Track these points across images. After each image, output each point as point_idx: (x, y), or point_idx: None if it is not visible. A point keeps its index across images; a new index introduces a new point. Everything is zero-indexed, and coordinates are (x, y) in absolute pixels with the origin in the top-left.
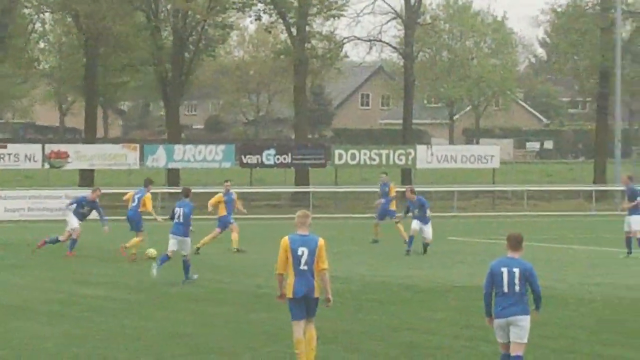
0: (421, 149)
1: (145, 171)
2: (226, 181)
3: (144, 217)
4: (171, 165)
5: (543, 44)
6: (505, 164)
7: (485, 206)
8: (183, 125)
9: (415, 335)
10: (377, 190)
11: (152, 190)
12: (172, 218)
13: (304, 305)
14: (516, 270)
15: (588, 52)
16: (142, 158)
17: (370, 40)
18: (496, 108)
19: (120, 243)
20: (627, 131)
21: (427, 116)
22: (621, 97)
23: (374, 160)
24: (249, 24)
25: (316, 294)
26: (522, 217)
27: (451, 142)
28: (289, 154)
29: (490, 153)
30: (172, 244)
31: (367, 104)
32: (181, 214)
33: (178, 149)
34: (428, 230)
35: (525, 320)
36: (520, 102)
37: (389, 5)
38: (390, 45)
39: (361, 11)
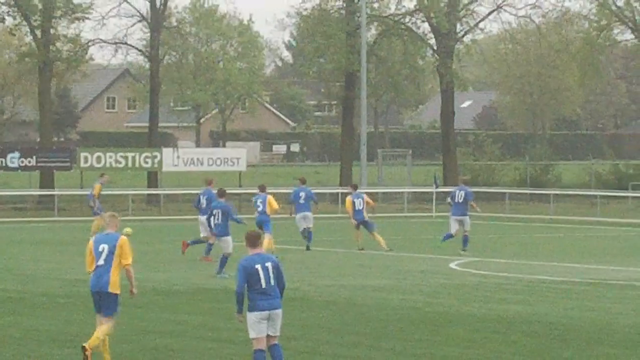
0: (167, 152)
1: None
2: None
3: None
4: None
5: (289, 47)
6: (252, 166)
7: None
8: None
9: (162, 338)
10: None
11: None
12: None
13: (98, 298)
14: (269, 265)
15: (334, 55)
16: None
17: (115, 43)
18: (243, 111)
19: None
20: (372, 134)
21: (174, 119)
22: (367, 100)
23: (120, 163)
24: None
25: (110, 289)
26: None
27: (198, 145)
28: (34, 157)
29: (237, 156)
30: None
31: (114, 107)
32: (219, 214)
33: None
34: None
35: (281, 313)
36: (267, 105)
37: (134, 8)
38: (136, 48)
39: (107, 14)
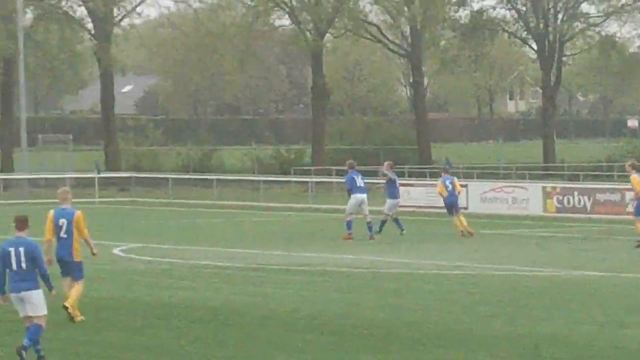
0: None
1: None
2: None
3: None
4: None
5: None
6: None
7: None
8: None
9: None
10: None
11: None
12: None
13: (65, 266)
14: (21, 249)
15: None
16: None
17: None
18: None
19: None
20: (33, 119)
21: None
22: (26, 85)
23: None
24: None
25: (75, 258)
26: None
27: None
28: None
29: None
30: None
31: None
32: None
33: None
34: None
35: (36, 295)
36: None
37: None
38: None
39: None
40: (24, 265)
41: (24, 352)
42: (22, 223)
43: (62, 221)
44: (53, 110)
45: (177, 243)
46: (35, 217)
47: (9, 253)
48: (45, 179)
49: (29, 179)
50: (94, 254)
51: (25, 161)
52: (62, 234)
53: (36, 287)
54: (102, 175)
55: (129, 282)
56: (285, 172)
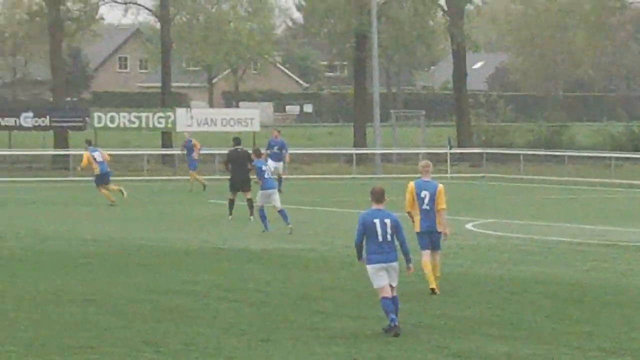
0: (181, 112)
1: None
2: None
3: None
4: None
5: (300, 7)
6: (266, 127)
7: None
8: None
9: (179, 298)
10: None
11: None
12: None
13: (428, 237)
14: (387, 221)
15: (343, 16)
16: None
17: (125, 3)
18: (255, 72)
19: None
20: (385, 95)
21: (186, 79)
22: (378, 61)
23: (134, 123)
24: None
25: (439, 229)
26: (284, 179)
27: (211, 105)
28: (47, 117)
29: (250, 116)
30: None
31: (126, 67)
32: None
33: None
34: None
35: (397, 265)
36: (279, 65)
37: None
38: (146, 8)
39: None
40: (389, 237)
41: (397, 328)
42: (381, 196)
43: (425, 193)
44: (405, 86)
45: (529, 219)
46: (388, 192)
47: (374, 224)
48: (398, 154)
49: (381, 153)
50: (445, 235)
51: (377, 136)
52: (425, 206)
53: (397, 259)
54: (453, 150)
55: (481, 257)
56: (638, 149)
